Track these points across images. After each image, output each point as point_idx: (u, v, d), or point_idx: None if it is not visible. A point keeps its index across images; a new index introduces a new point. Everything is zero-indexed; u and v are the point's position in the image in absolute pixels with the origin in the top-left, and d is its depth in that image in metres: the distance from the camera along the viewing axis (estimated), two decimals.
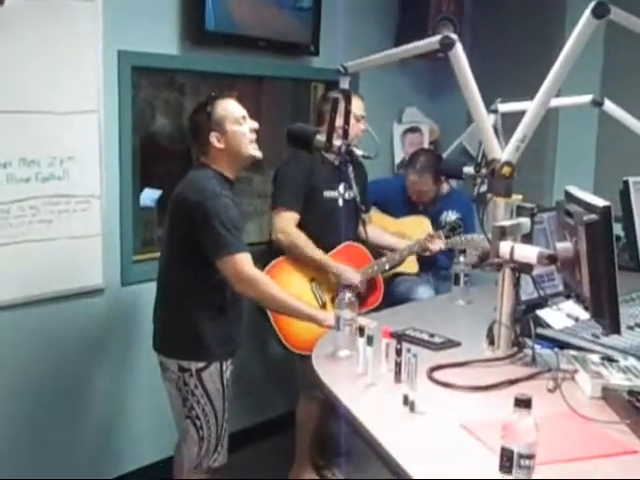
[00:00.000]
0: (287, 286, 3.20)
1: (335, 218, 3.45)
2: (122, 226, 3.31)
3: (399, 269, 3.76)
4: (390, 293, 3.70)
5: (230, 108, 2.75)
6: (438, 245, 3.60)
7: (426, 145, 4.73)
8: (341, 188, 3.48)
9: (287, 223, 3.31)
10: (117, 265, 3.31)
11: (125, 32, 3.16)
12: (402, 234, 3.83)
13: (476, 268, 3.36)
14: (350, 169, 3.47)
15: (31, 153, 2.91)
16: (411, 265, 3.86)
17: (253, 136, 2.77)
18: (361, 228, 3.53)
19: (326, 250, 3.36)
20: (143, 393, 3.40)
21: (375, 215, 3.93)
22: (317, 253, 3.33)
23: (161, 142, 3.98)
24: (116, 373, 3.38)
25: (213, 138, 2.71)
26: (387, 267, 3.55)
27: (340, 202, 3.48)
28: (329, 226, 3.41)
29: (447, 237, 3.64)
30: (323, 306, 3.32)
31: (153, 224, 3.82)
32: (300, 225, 3.35)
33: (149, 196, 3.79)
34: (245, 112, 2.78)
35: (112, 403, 3.39)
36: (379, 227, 3.79)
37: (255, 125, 2.79)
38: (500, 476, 1.49)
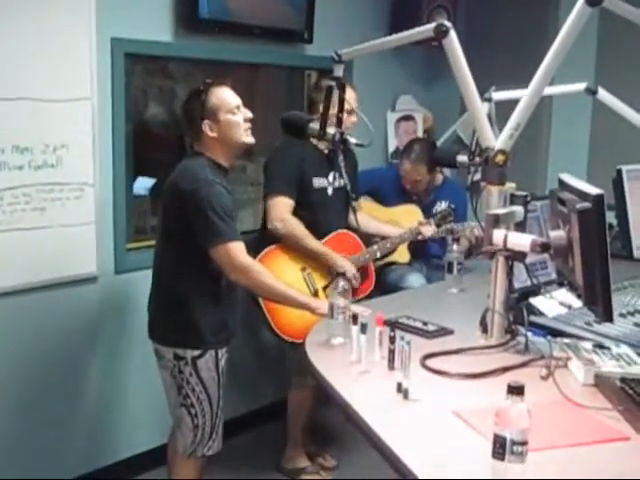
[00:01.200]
0: (279, 274, 3.19)
1: (325, 207, 3.45)
2: (115, 214, 3.30)
3: (391, 258, 3.76)
4: (382, 281, 3.71)
5: (224, 97, 2.73)
6: (430, 230, 3.61)
7: (420, 133, 4.73)
8: (330, 177, 3.48)
9: (283, 210, 3.31)
10: (111, 253, 3.31)
11: (118, 19, 3.15)
12: (394, 223, 3.83)
13: (467, 258, 3.37)
14: (340, 158, 3.48)
15: (24, 140, 2.90)
16: (403, 254, 3.86)
17: (247, 125, 2.76)
18: (352, 216, 3.54)
19: (317, 239, 3.36)
20: (137, 381, 3.41)
21: (367, 204, 3.93)
22: (314, 243, 3.33)
23: (155, 130, 3.97)
24: (110, 361, 3.38)
25: (206, 127, 2.70)
26: (378, 255, 3.56)
27: (330, 191, 3.48)
28: (319, 215, 3.42)
29: (438, 225, 3.64)
30: (315, 294, 3.31)
31: (147, 212, 3.82)
32: (292, 214, 3.35)
33: (143, 184, 3.79)
34: (239, 101, 2.76)
35: (106, 391, 3.39)
36: (370, 215, 3.79)
37: (249, 114, 2.77)
38: (493, 462, 1.50)
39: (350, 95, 3.28)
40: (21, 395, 3.07)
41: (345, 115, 3.02)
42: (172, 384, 2.76)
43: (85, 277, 3.21)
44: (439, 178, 4.07)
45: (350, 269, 3.34)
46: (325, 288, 3.33)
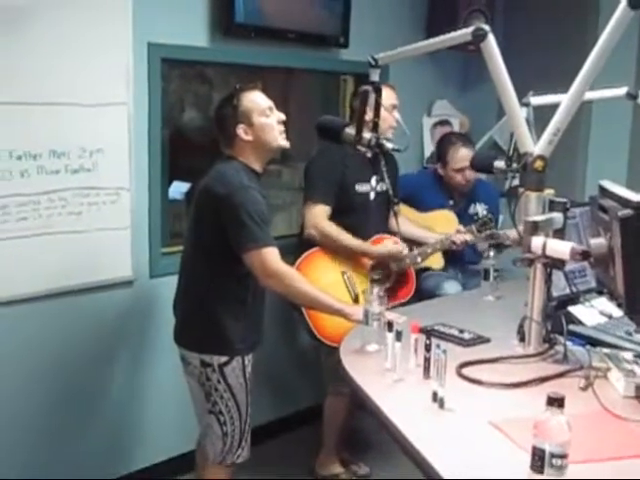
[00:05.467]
0: (319, 277, 3.19)
1: (367, 211, 3.44)
2: (151, 218, 3.32)
3: (425, 264, 3.73)
4: (417, 288, 3.67)
5: (257, 100, 2.72)
6: (463, 237, 3.58)
7: None
8: (373, 181, 3.46)
9: (318, 217, 3.30)
10: (146, 257, 3.32)
11: (155, 24, 3.17)
12: (429, 228, 3.80)
13: (500, 251, 3.33)
14: (382, 162, 3.45)
15: (61, 145, 2.92)
16: (437, 260, 3.82)
17: (281, 127, 2.74)
18: (392, 220, 3.51)
19: None
20: (169, 385, 3.39)
21: (402, 209, 3.90)
22: (353, 241, 3.31)
23: (191, 135, 3.98)
24: (143, 364, 3.40)
25: (240, 130, 2.69)
26: (419, 260, 3.53)
27: (372, 195, 3.47)
28: (361, 219, 3.40)
29: (479, 231, 3.61)
30: (355, 298, 3.28)
31: (182, 217, 3.82)
32: (333, 219, 3.33)
33: (178, 189, 3.80)
34: (271, 103, 2.75)
35: (139, 395, 3.40)
36: (409, 220, 3.76)
37: (282, 116, 2.76)
38: (531, 475, 1.47)
39: (388, 93, 3.26)
40: (50, 398, 3.08)
41: (386, 113, 3.02)
42: (199, 390, 2.74)
43: (120, 281, 3.22)
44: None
45: (395, 248, 3.35)
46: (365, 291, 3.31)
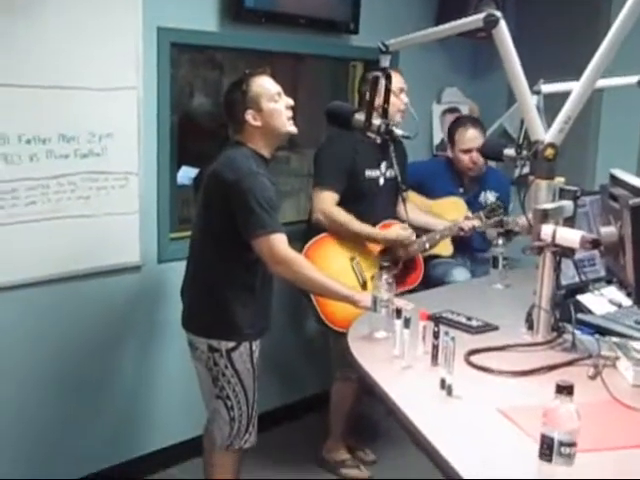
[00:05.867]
0: (327, 263, 3.19)
1: (376, 197, 3.43)
2: (159, 203, 3.32)
3: (434, 251, 3.72)
4: (427, 276, 3.67)
5: (265, 85, 2.72)
6: (471, 223, 3.57)
7: None
8: (382, 167, 3.45)
9: (326, 202, 3.29)
10: (154, 242, 3.33)
11: (164, 9, 3.16)
12: (438, 215, 3.79)
13: (508, 239, 3.32)
14: (391, 148, 3.45)
15: (70, 129, 2.92)
16: (446, 247, 3.82)
17: (289, 113, 2.74)
18: (401, 207, 3.50)
19: None
20: (176, 370, 3.41)
21: (411, 195, 3.89)
22: (361, 227, 3.31)
23: (199, 120, 3.98)
24: (150, 349, 3.41)
25: (249, 116, 2.68)
26: (427, 246, 3.52)
27: (381, 181, 3.46)
28: (370, 205, 3.39)
29: (488, 217, 3.60)
30: (363, 284, 3.29)
31: (190, 202, 3.82)
32: (341, 205, 3.32)
33: (186, 174, 3.79)
34: (280, 88, 2.75)
35: (146, 380, 3.41)
36: (416, 207, 3.75)
37: (290, 102, 2.75)
38: (539, 464, 1.47)
39: (397, 78, 3.25)
40: (58, 382, 3.10)
41: (394, 98, 3.01)
42: (207, 376, 2.75)
43: (128, 266, 3.23)
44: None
45: (403, 234, 3.34)
46: (374, 278, 3.31)
